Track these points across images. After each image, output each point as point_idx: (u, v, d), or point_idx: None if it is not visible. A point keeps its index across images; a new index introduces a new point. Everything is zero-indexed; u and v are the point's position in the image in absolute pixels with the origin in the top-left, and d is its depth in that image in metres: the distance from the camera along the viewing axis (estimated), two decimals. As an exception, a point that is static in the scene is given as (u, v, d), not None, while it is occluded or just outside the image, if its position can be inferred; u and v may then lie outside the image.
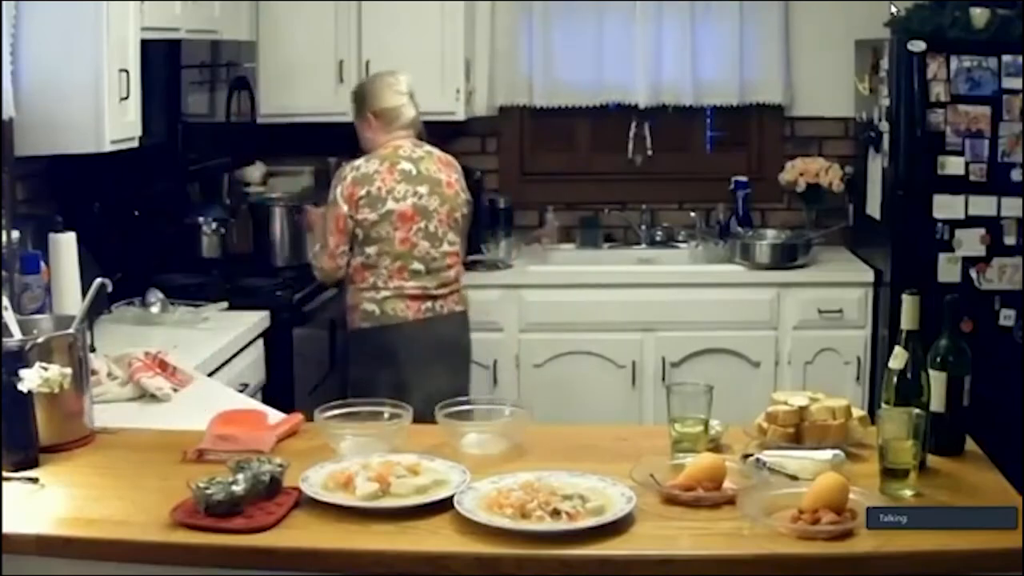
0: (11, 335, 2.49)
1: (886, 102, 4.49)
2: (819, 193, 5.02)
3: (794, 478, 2.21)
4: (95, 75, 3.35)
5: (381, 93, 3.96)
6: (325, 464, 2.26)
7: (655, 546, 1.99)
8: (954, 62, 4.34)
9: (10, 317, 2.53)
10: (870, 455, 2.29)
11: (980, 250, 4.40)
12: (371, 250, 3.84)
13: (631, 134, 5.21)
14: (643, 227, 5.21)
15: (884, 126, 4.52)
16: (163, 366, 3.01)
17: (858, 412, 2.48)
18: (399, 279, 3.85)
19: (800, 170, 5.04)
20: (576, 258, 5.12)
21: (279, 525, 2.05)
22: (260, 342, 3.84)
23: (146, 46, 3.58)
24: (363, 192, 3.81)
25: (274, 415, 2.68)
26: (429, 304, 3.89)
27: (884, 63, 4.51)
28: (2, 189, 3.22)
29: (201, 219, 4.29)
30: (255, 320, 3.82)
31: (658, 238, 5.20)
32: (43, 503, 2.17)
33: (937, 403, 2.34)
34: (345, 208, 3.81)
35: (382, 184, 3.83)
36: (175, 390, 2.96)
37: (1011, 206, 4.36)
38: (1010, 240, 4.39)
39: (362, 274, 3.87)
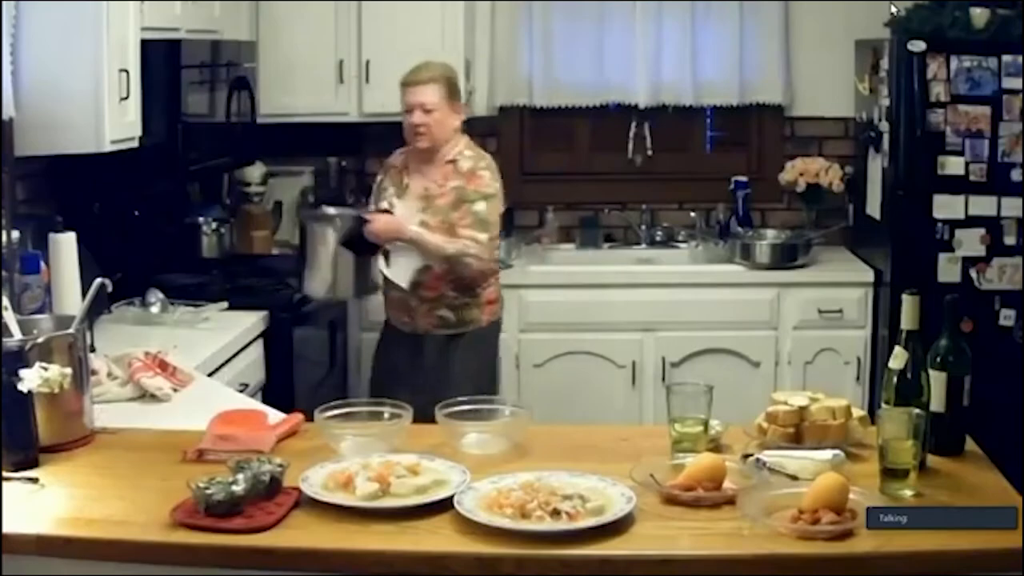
0: (11, 335, 2.49)
1: (886, 102, 4.49)
2: (819, 193, 5.02)
3: (794, 478, 2.22)
4: (95, 75, 3.35)
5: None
6: (325, 464, 2.26)
7: (655, 546, 1.99)
8: (954, 62, 4.34)
9: (10, 317, 2.53)
10: (870, 455, 2.29)
11: (980, 250, 4.40)
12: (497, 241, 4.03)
13: (631, 134, 5.20)
14: (643, 227, 5.21)
15: (884, 126, 4.52)
16: (163, 366, 3.01)
17: (858, 412, 2.48)
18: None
19: (800, 170, 5.04)
20: (576, 258, 5.12)
21: (279, 525, 2.05)
22: (260, 342, 3.84)
23: (146, 46, 3.58)
24: (500, 183, 3.91)
25: (274, 415, 2.68)
26: None
27: (884, 63, 4.51)
28: (2, 189, 3.22)
29: (201, 219, 4.29)
30: (255, 320, 3.82)
31: (658, 238, 5.20)
32: (43, 503, 2.17)
33: (937, 403, 2.34)
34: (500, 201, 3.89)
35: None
36: (175, 390, 2.96)
37: (1011, 206, 4.36)
38: (1010, 240, 4.39)
39: (494, 266, 4.02)
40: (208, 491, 2.05)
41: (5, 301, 2.54)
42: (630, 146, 5.22)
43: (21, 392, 2.29)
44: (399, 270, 3.85)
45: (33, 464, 2.30)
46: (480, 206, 3.79)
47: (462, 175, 3.82)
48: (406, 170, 3.95)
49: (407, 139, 3.88)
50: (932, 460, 2.31)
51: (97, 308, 3.35)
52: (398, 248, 3.81)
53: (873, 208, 4.70)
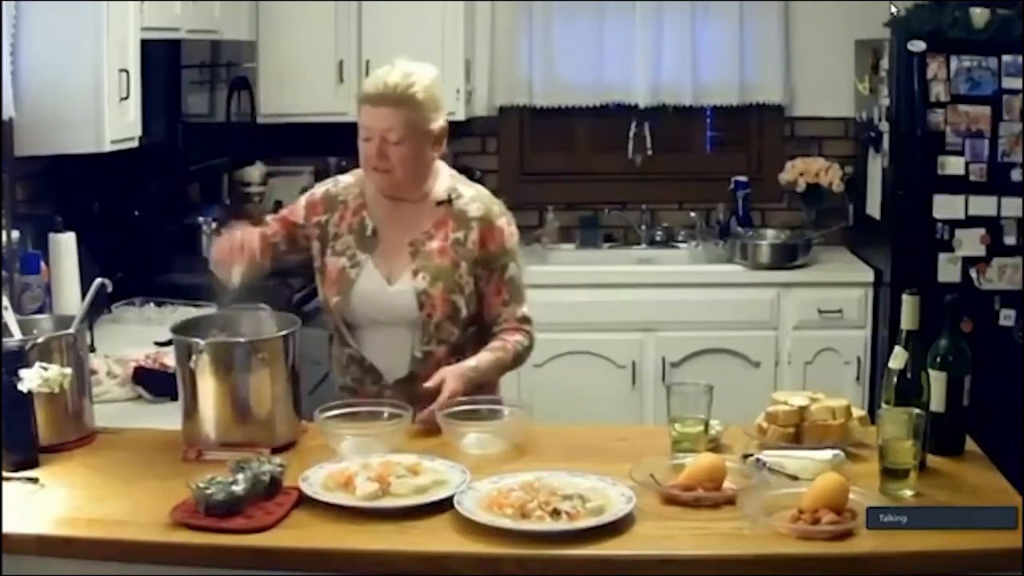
0: (11, 335, 2.49)
1: (886, 102, 4.49)
2: (819, 193, 5.02)
3: (794, 478, 2.22)
4: (95, 75, 3.35)
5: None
6: (325, 464, 2.26)
7: (655, 546, 1.99)
8: (954, 62, 4.34)
9: (10, 317, 2.53)
10: (870, 455, 2.29)
11: (980, 250, 4.39)
12: None
13: (631, 134, 5.20)
14: (643, 227, 5.21)
15: (884, 126, 4.52)
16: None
17: (858, 412, 2.48)
18: None
19: (800, 170, 5.04)
20: (576, 258, 5.11)
21: (279, 525, 2.05)
22: (260, 342, 3.83)
23: (146, 46, 3.58)
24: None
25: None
26: None
27: (884, 63, 4.51)
28: (2, 189, 3.22)
29: (201, 219, 4.29)
30: (255, 320, 3.81)
31: (658, 238, 5.20)
32: (43, 503, 2.17)
33: (937, 403, 2.34)
34: None
35: None
36: (175, 390, 2.96)
37: (1011, 206, 4.36)
38: (1010, 240, 4.39)
39: None
40: (208, 491, 2.05)
41: (5, 301, 2.54)
42: (630, 146, 5.21)
43: (21, 392, 2.29)
44: (380, 356, 2.85)
45: (33, 464, 2.30)
46: (512, 270, 2.86)
47: (466, 224, 2.78)
48: (365, 212, 2.83)
49: (364, 171, 2.79)
50: (932, 460, 2.31)
51: (97, 308, 3.35)
52: (372, 323, 2.85)
53: (873, 208, 4.70)
